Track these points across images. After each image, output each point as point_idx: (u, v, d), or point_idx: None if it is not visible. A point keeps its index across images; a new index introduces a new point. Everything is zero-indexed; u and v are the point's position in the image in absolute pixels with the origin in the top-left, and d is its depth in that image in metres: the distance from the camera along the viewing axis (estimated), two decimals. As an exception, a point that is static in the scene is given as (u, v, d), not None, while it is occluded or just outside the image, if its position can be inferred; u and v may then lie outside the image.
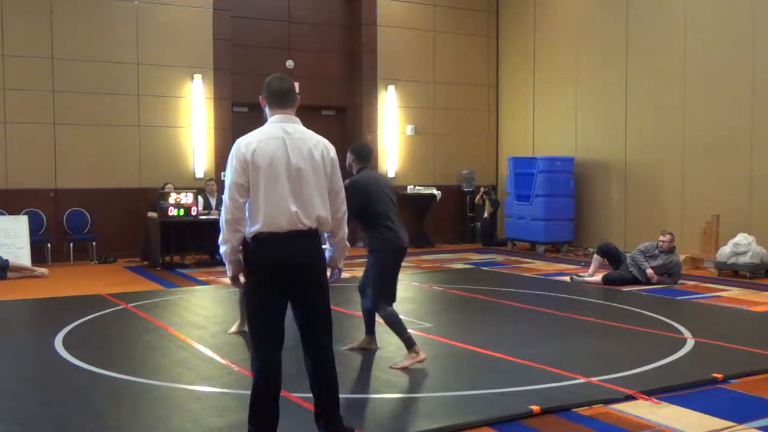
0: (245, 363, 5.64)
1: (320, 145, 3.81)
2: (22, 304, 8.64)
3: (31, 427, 4.29)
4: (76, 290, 9.37)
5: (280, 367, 3.81)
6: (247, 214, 3.68)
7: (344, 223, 3.93)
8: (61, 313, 7.71)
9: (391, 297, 5.72)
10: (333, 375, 3.89)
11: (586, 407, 4.55)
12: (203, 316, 7.73)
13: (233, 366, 5.56)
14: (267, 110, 3.87)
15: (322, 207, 3.75)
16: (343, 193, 3.90)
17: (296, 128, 3.80)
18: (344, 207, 3.91)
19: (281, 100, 3.83)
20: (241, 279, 3.79)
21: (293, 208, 3.66)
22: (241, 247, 3.73)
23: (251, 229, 3.68)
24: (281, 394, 3.85)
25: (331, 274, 3.98)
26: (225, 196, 3.69)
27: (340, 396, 4.80)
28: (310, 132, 3.85)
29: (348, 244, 4.02)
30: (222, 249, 3.72)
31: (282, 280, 3.70)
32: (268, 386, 3.78)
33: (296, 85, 4.06)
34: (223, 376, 5.35)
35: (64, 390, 5.00)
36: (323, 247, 3.93)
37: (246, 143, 3.72)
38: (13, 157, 12.02)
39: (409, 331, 5.57)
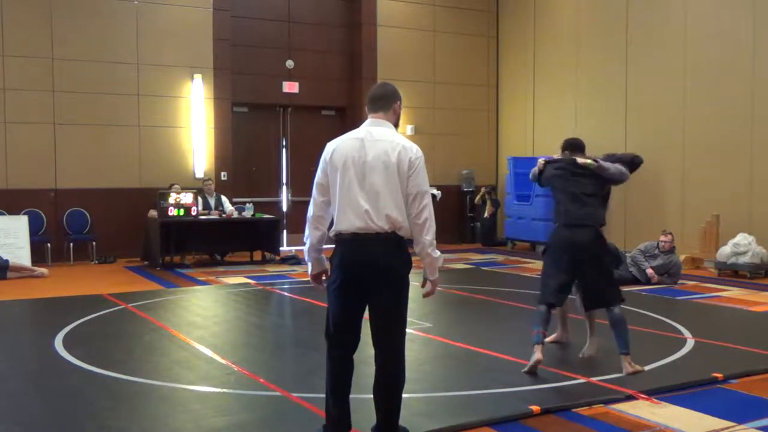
0: (245, 363, 5.65)
1: (399, 147, 3.77)
2: (22, 304, 8.63)
3: (31, 427, 4.29)
4: (76, 290, 9.37)
5: (346, 353, 3.94)
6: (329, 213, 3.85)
7: (426, 230, 3.77)
8: (61, 313, 7.71)
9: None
10: (393, 383, 3.85)
11: (586, 407, 4.55)
12: (203, 316, 7.73)
13: (233, 366, 5.56)
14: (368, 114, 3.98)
15: (393, 207, 3.71)
16: (425, 199, 3.76)
17: (381, 131, 3.84)
18: (426, 213, 3.75)
19: (373, 105, 3.96)
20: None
21: (364, 206, 3.70)
22: (322, 247, 3.89)
23: (333, 228, 3.81)
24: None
25: (424, 285, 3.94)
26: (312, 196, 3.89)
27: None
28: (396, 135, 3.86)
29: (437, 253, 3.85)
30: (304, 248, 3.91)
31: (354, 281, 3.76)
32: (336, 383, 3.92)
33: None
34: (223, 376, 5.34)
35: (64, 390, 4.99)
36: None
37: (330, 144, 3.88)
38: (13, 157, 12.01)
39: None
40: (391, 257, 3.74)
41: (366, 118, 3.98)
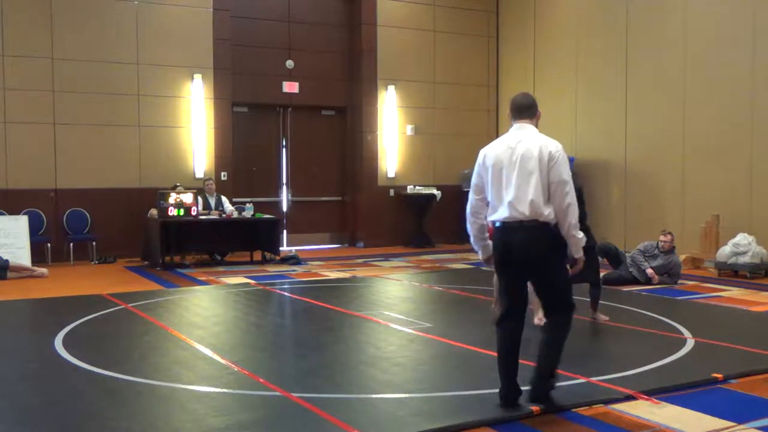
0: (245, 363, 5.65)
1: (540, 142, 4.40)
2: (22, 304, 8.63)
3: (31, 427, 4.29)
4: (76, 290, 9.37)
5: (517, 312, 4.51)
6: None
7: (569, 215, 4.33)
8: (61, 313, 7.71)
9: None
10: (551, 345, 4.49)
11: (586, 407, 4.55)
12: (203, 316, 7.72)
13: (233, 366, 5.56)
14: (511, 122, 4.58)
15: (534, 195, 4.30)
16: (566, 187, 4.32)
17: (526, 133, 4.47)
18: (568, 199, 4.31)
19: (520, 113, 4.56)
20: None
21: (510, 198, 4.34)
22: (484, 235, 4.59)
23: (489, 218, 4.51)
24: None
25: (570, 263, 4.51)
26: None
27: (340, 396, 4.81)
28: (538, 134, 4.48)
29: (579, 234, 4.42)
30: (471, 240, 4.63)
31: (508, 262, 4.44)
32: (502, 339, 4.52)
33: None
34: (223, 376, 5.34)
35: (64, 390, 4.99)
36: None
37: (483, 149, 4.57)
38: (13, 157, 12.02)
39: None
40: (534, 241, 4.34)
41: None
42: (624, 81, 13.14)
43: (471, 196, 4.57)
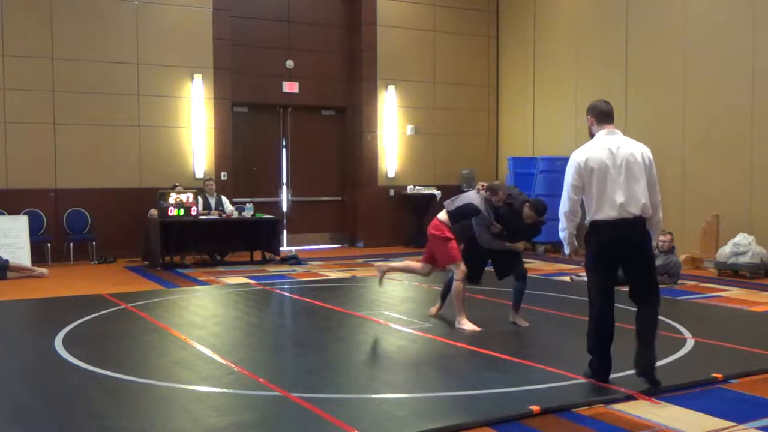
0: (245, 363, 5.65)
1: (639, 149, 4.89)
2: (22, 304, 8.63)
3: (31, 427, 4.29)
4: (76, 290, 9.37)
5: (611, 311, 4.94)
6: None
7: (660, 209, 4.95)
8: (61, 313, 7.71)
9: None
10: (653, 326, 4.92)
11: (586, 407, 4.55)
12: (203, 316, 7.73)
13: (233, 366, 5.56)
14: (594, 126, 4.98)
15: (644, 197, 4.78)
16: (657, 186, 4.91)
17: (619, 138, 4.91)
18: (659, 197, 4.93)
19: (608, 118, 4.97)
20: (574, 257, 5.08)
21: (620, 200, 4.74)
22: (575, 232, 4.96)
23: (589, 218, 4.84)
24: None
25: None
26: (564, 194, 4.90)
27: (340, 396, 4.82)
28: (630, 139, 4.95)
29: (662, 225, 5.14)
30: (562, 234, 4.99)
31: (609, 257, 4.84)
32: (601, 325, 4.96)
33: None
34: (223, 376, 5.35)
35: (64, 390, 4.99)
36: None
37: (580, 153, 4.87)
38: (13, 157, 12.01)
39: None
40: (639, 236, 4.82)
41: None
42: (624, 81, 13.14)
43: (571, 195, 4.85)
